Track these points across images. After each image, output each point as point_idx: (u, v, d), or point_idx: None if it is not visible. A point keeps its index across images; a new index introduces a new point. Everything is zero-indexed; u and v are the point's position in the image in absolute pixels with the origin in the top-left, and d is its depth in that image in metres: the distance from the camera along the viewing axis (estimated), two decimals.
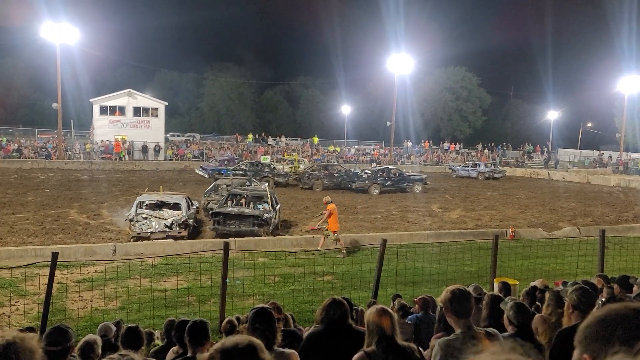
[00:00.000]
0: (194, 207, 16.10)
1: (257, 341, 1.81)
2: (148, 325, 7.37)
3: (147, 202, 14.58)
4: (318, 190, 25.82)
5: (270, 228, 14.59)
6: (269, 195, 15.69)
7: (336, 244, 12.86)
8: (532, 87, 79.29)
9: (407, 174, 28.60)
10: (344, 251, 12.85)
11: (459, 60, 70.91)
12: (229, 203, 15.55)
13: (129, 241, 13.39)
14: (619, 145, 52.85)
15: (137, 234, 13.42)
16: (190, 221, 14.52)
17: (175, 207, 14.58)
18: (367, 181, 26.14)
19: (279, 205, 16.30)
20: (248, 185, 17.84)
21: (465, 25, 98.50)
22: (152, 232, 13.45)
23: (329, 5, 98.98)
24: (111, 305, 8.64)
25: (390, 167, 29.97)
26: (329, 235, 12.99)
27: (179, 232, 13.65)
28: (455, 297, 2.80)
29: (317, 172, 28.42)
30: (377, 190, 25.58)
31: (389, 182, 26.47)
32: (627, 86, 50.50)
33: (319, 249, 12.75)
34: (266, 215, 14.50)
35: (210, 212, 15.15)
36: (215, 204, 15.93)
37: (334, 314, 3.21)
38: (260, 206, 15.36)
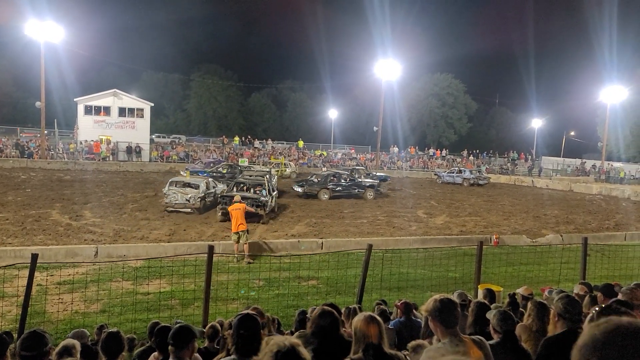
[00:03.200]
0: (216, 188, 20.86)
1: None
2: (130, 329, 7.25)
3: (176, 182, 19.97)
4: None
5: (267, 209, 17.79)
6: (266, 184, 19.28)
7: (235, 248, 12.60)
8: (517, 96, 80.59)
9: (360, 179, 27.60)
10: (248, 259, 12.33)
11: (446, 67, 71.77)
12: (235, 189, 19.45)
13: (163, 210, 18.49)
14: (601, 154, 53.71)
15: (166, 203, 18.71)
16: (208, 198, 19.51)
17: (195, 186, 19.50)
18: (315, 186, 25.08)
19: (275, 192, 20.13)
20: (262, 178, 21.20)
21: (451, 33, 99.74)
22: (176, 203, 18.56)
23: (316, 11, 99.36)
24: (92, 308, 8.48)
25: (341, 171, 28.81)
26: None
27: (193, 204, 18.53)
28: (443, 306, 2.76)
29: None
30: (326, 196, 24.58)
31: (339, 188, 25.48)
32: (609, 96, 51.43)
33: (246, 253, 12.43)
34: (263, 198, 17.84)
35: (218, 196, 18.99)
36: None
37: (326, 326, 3.12)
38: (259, 192, 18.76)
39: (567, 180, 43.27)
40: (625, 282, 6.38)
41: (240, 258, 12.36)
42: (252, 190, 19.09)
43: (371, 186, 26.50)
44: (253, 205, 16.79)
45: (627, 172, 48.40)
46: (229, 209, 13.11)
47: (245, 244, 12.57)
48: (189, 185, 19.69)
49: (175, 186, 19.48)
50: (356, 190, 25.82)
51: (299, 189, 25.01)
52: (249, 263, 12.13)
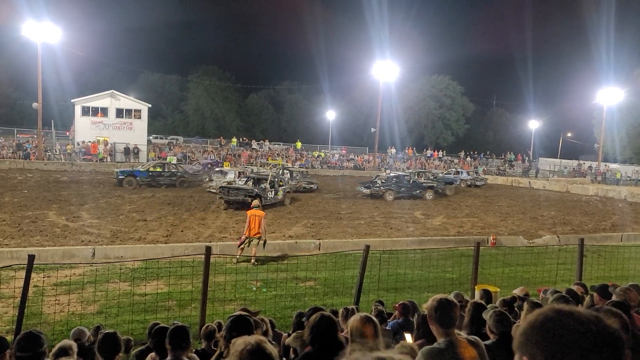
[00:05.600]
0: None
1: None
2: (127, 330, 7.24)
3: (216, 171, 26.88)
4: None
5: (266, 201, 19.63)
6: (269, 178, 21.62)
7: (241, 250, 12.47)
8: (514, 97, 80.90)
9: (420, 181, 29.20)
10: (254, 261, 12.23)
11: (443, 69, 71.87)
12: (238, 181, 22.41)
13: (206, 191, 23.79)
14: (598, 155, 53.85)
15: (208, 186, 24.73)
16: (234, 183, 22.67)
17: (226, 174, 25.32)
18: (382, 187, 26.74)
19: (282, 187, 22.21)
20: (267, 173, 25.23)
21: (449, 35, 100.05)
22: (210, 186, 24.63)
23: (314, 12, 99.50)
24: (89, 310, 8.47)
25: (404, 173, 30.53)
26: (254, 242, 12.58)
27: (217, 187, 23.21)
28: (440, 306, 2.77)
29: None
30: (391, 197, 26.21)
31: (402, 189, 27.07)
32: (606, 98, 51.54)
33: (253, 255, 12.35)
34: (256, 190, 20.02)
35: (219, 186, 21.66)
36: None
37: (323, 332, 3.10)
38: (262, 185, 21.07)
39: (563, 181, 43.38)
40: (621, 283, 6.41)
41: (240, 259, 12.30)
42: (250, 183, 21.53)
43: (430, 187, 28.23)
44: (246, 196, 19.58)
45: (623, 174, 48.56)
46: (248, 212, 12.87)
47: (255, 247, 12.47)
48: (221, 173, 26.20)
49: (216, 174, 26.43)
50: (417, 191, 27.53)
51: (366, 190, 26.66)
52: (254, 264, 12.06)
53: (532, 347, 1.14)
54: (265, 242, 12.64)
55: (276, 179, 22.30)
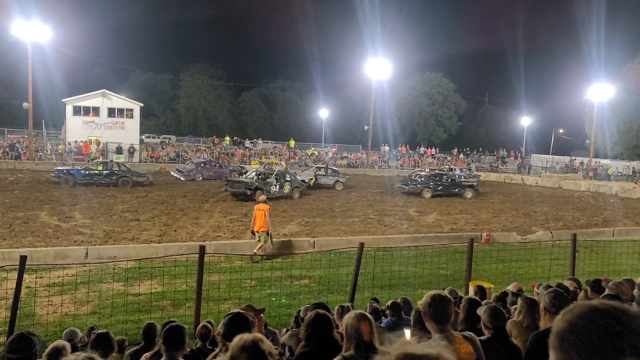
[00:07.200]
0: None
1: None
2: (121, 330, 7.21)
3: (244, 169, 29.21)
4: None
5: (270, 194, 21.09)
6: (274, 174, 23.35)
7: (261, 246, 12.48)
8: (506, 94, 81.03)
9: (459, 179, 29.15)
10: (255, 251, 12.22)
11: (436, 66, 72.00)
12: (244, 176, 24.45)
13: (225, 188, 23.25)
14: (589, 151, 54.19)
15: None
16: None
17: (245, 171, 27.33)
18: (419, 185, 26.90)
19: (288, 183, 23.51)
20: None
21: (441, 32, 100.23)
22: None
23: (306, 10, 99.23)
24: (82, 310, 8.42)
25: (442, 172, 30.44)
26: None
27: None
28: (434, 302, 2.78)
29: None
30: (429, 194, 26.42)
31: (440, 187, 27.01)
32: (597, 94, 51.84)
33: (255, 250, 12.33)
34: (256, 184, 21.94)
35: (225, 180, 24.26)
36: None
37: (319, 331, 3.10)
38: (268, 180, 22.70)
39: (556, 177, 43.64)
40: (613, 278, 6.46)
41: (258, 259, 12.16)
42: (255, 178, 23.01)
43: (470, 186, 28.03)
44: (246, 189, 21.55)
45: (614, 169, 48.95)
46: (254, 207, 12.89)
47: (261, 244, 12.37)
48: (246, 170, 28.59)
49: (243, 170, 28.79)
50: (456, 190, 27.35)
51: (404, 187, 27.27)
52: (253, 260, 11.91)
53: (570, 348, 1.05)
54: (271, 236, 12.62)
55: (282, 174, 23.71)
